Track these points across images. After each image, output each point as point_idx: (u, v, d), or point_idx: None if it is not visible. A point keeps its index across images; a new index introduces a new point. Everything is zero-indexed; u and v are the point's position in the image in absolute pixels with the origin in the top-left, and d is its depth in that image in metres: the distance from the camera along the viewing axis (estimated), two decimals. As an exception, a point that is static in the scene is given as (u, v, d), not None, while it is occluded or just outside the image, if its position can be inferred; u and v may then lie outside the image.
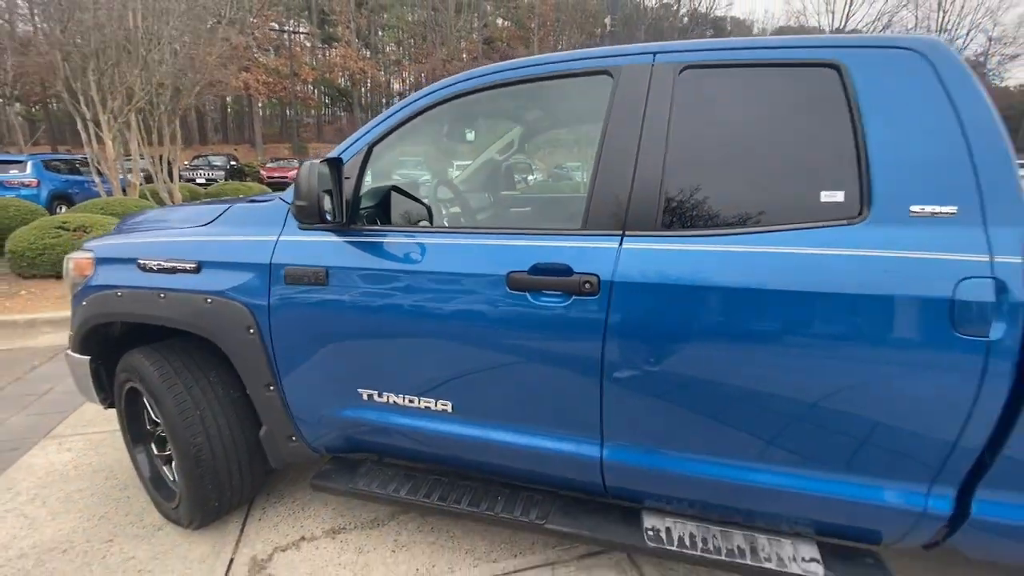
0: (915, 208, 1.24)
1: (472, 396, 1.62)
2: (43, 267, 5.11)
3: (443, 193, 2.64)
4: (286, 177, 21.61)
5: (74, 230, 5.26)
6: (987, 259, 1.17)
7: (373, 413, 1.74)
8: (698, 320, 1.35)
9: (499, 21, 37.27)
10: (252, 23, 27.06)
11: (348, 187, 1.64)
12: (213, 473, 1.86)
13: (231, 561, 1.91)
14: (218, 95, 21.45)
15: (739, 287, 1.31)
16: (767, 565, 1.44)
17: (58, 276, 5.24)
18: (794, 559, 1.46)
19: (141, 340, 2.04)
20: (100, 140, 7.81)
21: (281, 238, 1.73)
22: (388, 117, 1.74)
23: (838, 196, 1.30)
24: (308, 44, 34.76)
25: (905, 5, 39.99)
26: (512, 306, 1.48)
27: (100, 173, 8.19)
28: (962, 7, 39.04)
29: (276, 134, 38.70)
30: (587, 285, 1.40)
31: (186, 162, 20.79)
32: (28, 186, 9.60)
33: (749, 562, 1.46)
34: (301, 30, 28.66)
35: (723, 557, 1.48)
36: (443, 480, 1.82)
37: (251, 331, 1.72)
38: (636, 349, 1.41)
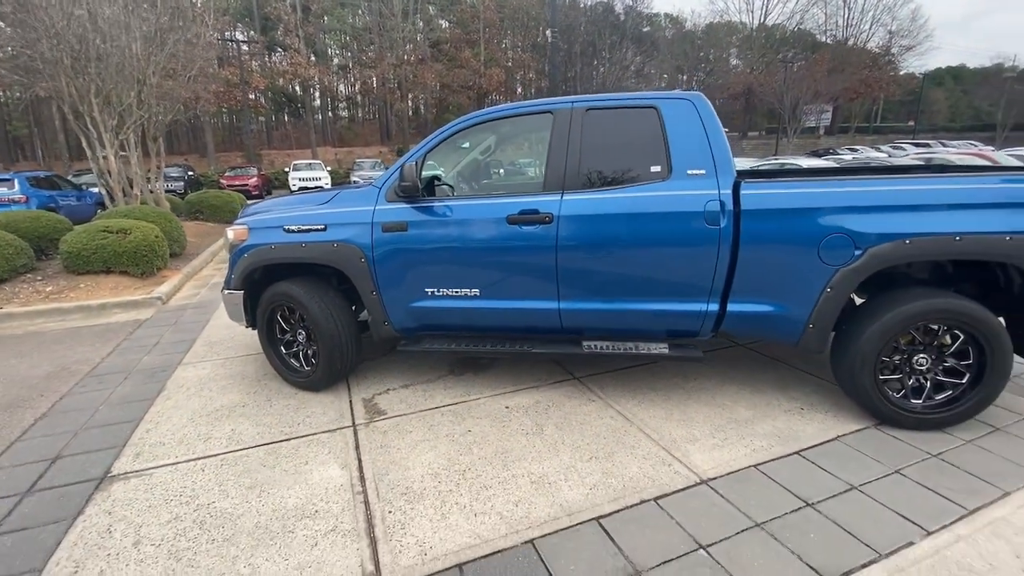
0: (690, 171, 2.78)
1: (489, 283, 3.04)
2: (96, 263, 6.10)
3: (462, 177, 4.02)
4: (246, 185, 22.05)
5: (116, 232, 6.28)
6: (716, 192, 2.72)
7: (434, 302, 3.13)
8: (599, 231, 2.84)
9: (443, 24, 38.48)
10: (199, 33, 27.09)
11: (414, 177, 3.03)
12: (340, 349, 3.21)
13: (350, 401, 3.27)
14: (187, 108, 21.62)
15: (617, 213, 2.81)
16: (638, 352, 2.96)
17: (108, 271, 6.25)
18: (654, 348, 2.98)
19: (277, 279, 3.34)
20: (104, 156, 8.65)
21: (377, 207, 3.10)
22: (431, 140, 3.14)
23: (658, 168, 2.82)
24: (254, 51, 34.78)
25: (815, 3, 43.99)
26: (510, 233, 2.92)
27: (107, 185, 9.00)
28: (864, 4, 43.37)
29: (223, 143, 38.37)
30: (547, 218, 2.87)
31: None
32: (18, 202, 10.17)
33: (634, 351, 2.97)
34: (241, 38, 28.75)
35: (620, 352, 2.98)
36: (473, 340, 3.24)
37: (362, 260, 3.09)
38: (572, 249, 2.88)
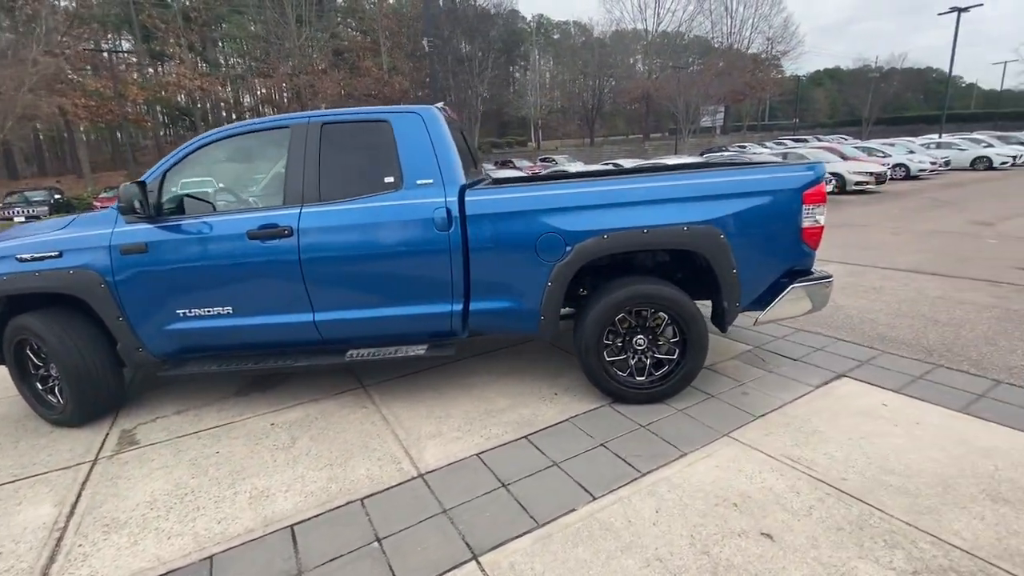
0: (419, 181, 2.91)
1: (241, 301, 3.02)
2: None
3: (219, 196, 3.93)
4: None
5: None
6: (443, 200, 2.88)
7: (189, 323, 3.06)
8: (339, 242, 2.90)
9: (347, 31, 37.62)
10: (61, 42, 24.64)
11: (154, 196, 2.95)
12: (91, 381, 3.05)
13: (107, 435, 3.12)
14: (29, 124, 19.50)
15: (354, 223, 2.89)
16: (397, 356, 3.06)
17: None
18: (412, 351, 3.09)
19: (20, 312, 3.12)
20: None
21: (116, 229, 2.98)
22: (171, 157, 3.07)
23: (391, 179, 2.94)
24: (135, 61, 32.14)
25: (700, 12, 47.46)
26: (252, 248, 2.92)
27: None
28: (743, 13, 47.38)
29: (108, 161, 35.11)
30: (287, 231, 2.90)
31: (-1, 201, 18.77)
32: None
33: (393, 356, 3.07)
34: (121, 48, 26.56)
35: (382, 357, 3.07)
36: (237, 359, 3.20)
37: (102, 286, 2.96)
38: (316, 261, 2.92)
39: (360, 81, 28.41)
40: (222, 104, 34.43)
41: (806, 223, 2.86)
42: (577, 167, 21.35)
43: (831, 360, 3.54)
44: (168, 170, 3.04)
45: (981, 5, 26.07)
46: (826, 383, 3.21)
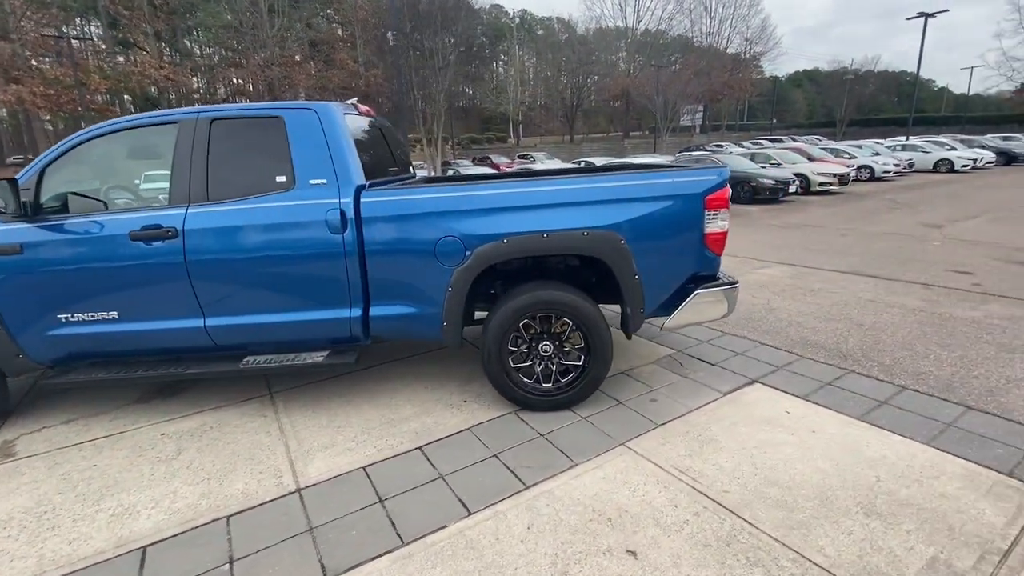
0: (312, 181, 2.79)
1: (126, 305, 2.87)
2: None
3: (107, 194, 3.73)
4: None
5: None
6: (337, 201, 2.76)
7: (72, 328, 2.90)
8: (227, 244, 2.77)
9: (325, 22, 36.92)
10: (19, 26, 23.66)
11: (30, 194, 2.78)
12: (-39, 388, 2.87)
13: (-14, 446, 2.94)
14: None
15: (244, 225, 2.76)
16: (296, 363, 2.93)
17: None
18: (310, 358, 2.97)
19: None
20: None
21: (-14, 229, 2.80)
22: (49, 153, 2.89)
23: (283, 178, 2.81)
24: (103, 48, 31.04)
25: (680, 11, 47.71)
26: (134, 250, 2.77)
27: None
28: (721, 13, 47.79)
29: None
30: (171, 232, 2.75)
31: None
32: None
33: (292, 363, 2.94)
34: (87, 36, 25.61)
35: (280, 364, 2.94)
36: (126, 367, 3.05)
37: (-27, 290, 2.78)
38: (204, 264, 2.78)
39: (334, 74, 27.88)
40: (196, 96, 33.54)
41: (709, 228, 2.81)
42: (554, 164, 21.30)
43: (748, 365, 3.52)
44: (47, 166, 2.87)
45: (947, 11, 26.63)
46: (736, 389, 3.18)
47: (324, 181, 2.79)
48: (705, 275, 2.96)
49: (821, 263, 6.56)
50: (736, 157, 15.17)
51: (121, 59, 26.71)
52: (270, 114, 2.87)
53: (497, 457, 2.58)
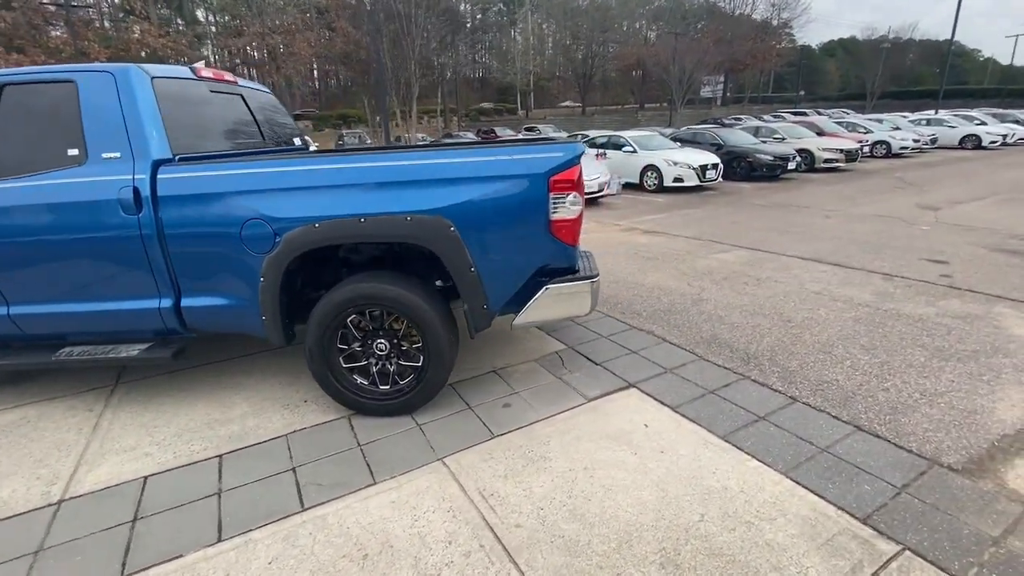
0: (105, 155, 2.46)
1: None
2: None
3: None
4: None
5: None
6: (131, 177, 2.43)
7: None
8: (10, 225, 2.48)
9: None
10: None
11: None
12: None
13: None
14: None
15: (28, 204, 2.46)
16: (111, 356, 2.67)
17: None
18: (133, 349, 2.71)
19: None
20: None
21: None
22: None
23: (75, 151, 2.49)
24: (106, 11, 30.79)
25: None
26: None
27: None
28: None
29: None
30: (-46, 212, 2.47)
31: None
32: None
33: (106, 356, 2.68)
34: (87, 4, 25.35)
35: (95, 357, 2.68)
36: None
37: None
38: (-7, 247, 2.51)
39: (337, 41, 27.20)
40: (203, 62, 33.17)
41: (556, 214, 2.41)
42: (559, 137, 20.49)
43: (636, 366, 3.14)
44: None
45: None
46: (606, 395, 2.82)
47: (118, 155, 2.46)
48: (559, 267, 2.57)
49: (786, 248, 6.03)
50: (736, 131, 14.30)
51: (124, 27, 26.45)
52: (61, 78, 2.52)
53: (294, 471, 2.29)
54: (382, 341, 2.62)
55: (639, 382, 2.95)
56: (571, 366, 3.18)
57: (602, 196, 10.57)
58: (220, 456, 2.42)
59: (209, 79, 3.09)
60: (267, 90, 3.84)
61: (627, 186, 12.12)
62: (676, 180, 11.22)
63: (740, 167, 12.70)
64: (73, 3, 23.28)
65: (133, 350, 2.71)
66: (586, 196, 10.30)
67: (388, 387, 2.68)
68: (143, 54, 23.02)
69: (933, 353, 3.22)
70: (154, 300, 2.61)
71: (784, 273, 5.03)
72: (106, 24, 27.95)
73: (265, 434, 2.58)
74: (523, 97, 49.87)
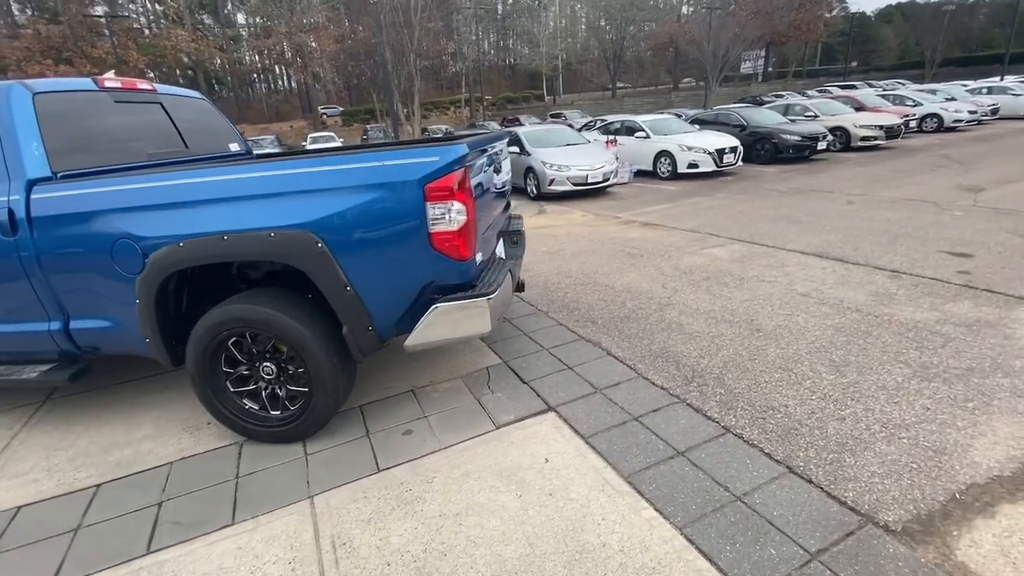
0: (-21, 176, 2.39)
1: None
2: None
3: None
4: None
5: None
6: (6, 199, 2.35)
7: None
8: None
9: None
10: (67, 8, 24.93)
11: None
12: None
13: None
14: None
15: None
16: (12, 378, 2.63)
17: None
18: (33, 371, 2.66)
19: None
20: None
21: None
22: None
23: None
24: (144, 23, 32.19)
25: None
26: None
27: None
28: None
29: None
30: None
31: None
32: None
33: (11, 378, 2.65)
34: (127, 14, 26.52)
35: (-2, 379, 2.65)
36: None
37: None
38: None
39: (357, 37, 27.36)
40: (238, 64, 34.32)
41: (435, 226, 2.15)
42: (583, 122, 19.82)
43: (564, 385, 2.85)
44: None
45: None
46: (519, 420, 2.56)
47: (-16, 176, 2.38)
48: (451, 284, 2.32)
49: (789, 240, 5.49)
50: (763, 111, 13.35)
51: (161, 35, 27.60)
52: (-67, 95, 2.46)
53: (160, 506, 2.17)
54: (268, 364, 2.46)
55: (561, 405, 2.66)
56: (496, 385, 2.93)
57: (609, 186, 10.10)
58: (99, 485, 2.33)
59: (115, 89, 2.99)
60: (199, 96, 3.72)
61: (641, 174, 11.58)
62: (691, 166, 10.58)
63: (765, 149, 11.88)
64: (116, 14, 24.43)
65: (33, 372, 2.66)
66: (592, 186, 9.86)
67: (280, 412, 2.52)
68: (183, 58, 24.02)
69: (916, 371, 2.76)
70: (44, 323, 2.54)
71: (776, 271, 4.55)
72: (145, 32, 29.28)
73: (154, 460, 2.48)
74: (549, 83, 48.80)
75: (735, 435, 2.33)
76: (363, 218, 2.15)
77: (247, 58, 35.98)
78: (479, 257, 2.42)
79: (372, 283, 2.24)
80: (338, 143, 21.09)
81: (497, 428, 2.52)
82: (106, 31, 24.71)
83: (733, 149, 10.68)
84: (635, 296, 4.17)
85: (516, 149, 10.37)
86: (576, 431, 2.44)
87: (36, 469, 2.49)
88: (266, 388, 2.50)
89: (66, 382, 2.62)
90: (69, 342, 2.59)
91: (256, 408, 2.53)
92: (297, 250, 2.17)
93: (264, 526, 2.01)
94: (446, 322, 2.30)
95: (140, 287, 2.31)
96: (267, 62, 34.15)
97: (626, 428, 2.43)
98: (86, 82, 2.86)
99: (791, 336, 3.26)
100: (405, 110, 12.00)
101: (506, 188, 3.55)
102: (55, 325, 2.54)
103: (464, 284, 2.33)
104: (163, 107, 3.30)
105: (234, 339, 2.40)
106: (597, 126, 14.25)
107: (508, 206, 3.75)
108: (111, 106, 2.94)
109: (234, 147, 3.84)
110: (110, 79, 2.98)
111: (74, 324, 2.54)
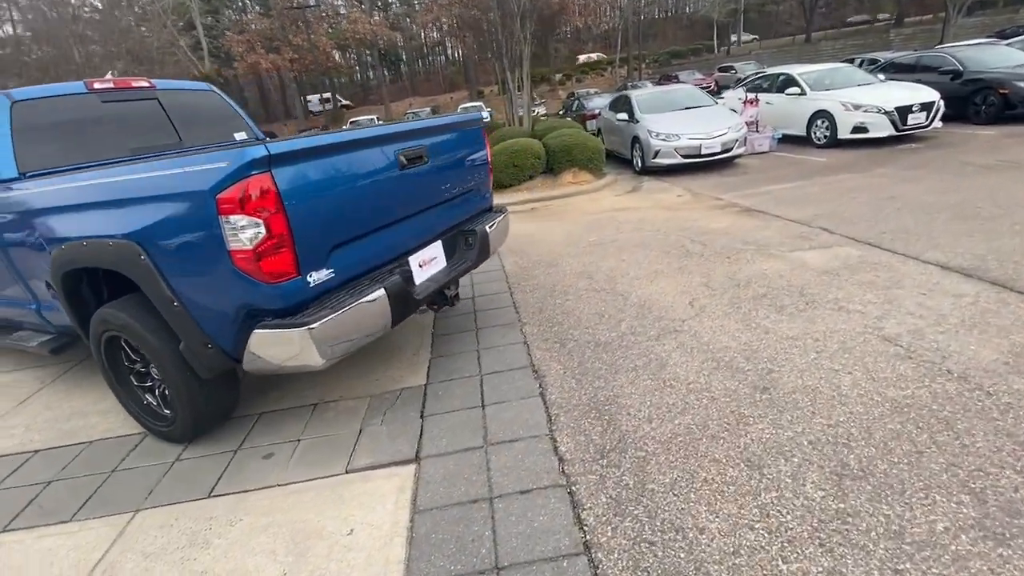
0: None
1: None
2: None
3: None
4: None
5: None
6: (-21, 196, 2.71)
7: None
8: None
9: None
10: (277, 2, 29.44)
11: None
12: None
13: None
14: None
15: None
16: (18, 344, 3.15)
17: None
18: (34, 341, 3.15)
19: None
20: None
21: None
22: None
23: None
24: (319, 16, 36.81)
25: None
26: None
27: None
28: None
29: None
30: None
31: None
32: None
33: (19, 344, 3.17)
34: (314, 4, 30.33)
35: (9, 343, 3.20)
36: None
37: None
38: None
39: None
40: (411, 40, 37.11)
41: (231, 244, 1.83)
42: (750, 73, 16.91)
43: (454, 430, 2.34)
44: None
45: None
46: (371, 468, 2.18)
47: (-33, 177, 2.75)
48: (274, 308, 1.99)
49: (933, 245, 3.82)
50: (995, 49, 9.64)
51: (341, 21, 31.34)
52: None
53: (48, 484, 2.36)
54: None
55: (431, 456, 2.19)
56: (394, 414, 2.56)
57: (733, 157, 8.42)
58: (36, 451, 2.65)
59: (104, 90, 3.23)
60: (207, 88, 3.89)
61: (791, 141, 9.43)
62: (856, 130, 8.22)
63: (988, 103, 8.64)
64: (307, 4, 28.20)
65: (34, 342, 3.14)
66: (706, 158, 8.22)
67: (170, 412, 2.55)
68: (358, 40, 27.09)
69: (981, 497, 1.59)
70: (30, 304, 2.95)
71: (874, 294, 3.19)
72: (336, 16, 33.44)
73: (85, 436, 2.73)
74: (724, 30, 42.54)
75: (591, 562, 1.61)
76: (173, 230, 1.95)
77: (421, 34, 38.76)
78: (317, 276, 2.04)
79: (196, 299, 2.05)
80: (485, 114, 21.50)
81: (346, 473, 2.18)
82: (301, 22, 28.95)
83: (926, 106, 7.95)
84: (643, 314, 3.31)
85: (625, 116, 9.24)
86: (413, 500, 1.97)
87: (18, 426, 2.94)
88: (159, 386, 2.54)
89: (49, 354, 3.03)
90: (46, 321, 2.97)
91: (154, 403, 2.59)
92: (125, 260, 2.08)
93: (83, 531, 2.03)
94: (268, 350, 2.01)
95: (54, 282, 2.48)
96: (435, 35, 36.38)
97: (469, 511, 1.88)
98: (77, 86, 3.14)
99: (807, 409, 2.20)
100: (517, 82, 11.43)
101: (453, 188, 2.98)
102: (33, 307, 2.93)
103: (287, 309, 1.99)
104: (159, 103, 3.50)
105: (124, 337, 2.46)
106: (748, 81, 11.96)
107: (481, 208, 3.24)
108: (97, 106, 3.19)
109: (239, 136, 3.97)
110: (101, 81, 3.23)
111: (42, 307, 2.89)
